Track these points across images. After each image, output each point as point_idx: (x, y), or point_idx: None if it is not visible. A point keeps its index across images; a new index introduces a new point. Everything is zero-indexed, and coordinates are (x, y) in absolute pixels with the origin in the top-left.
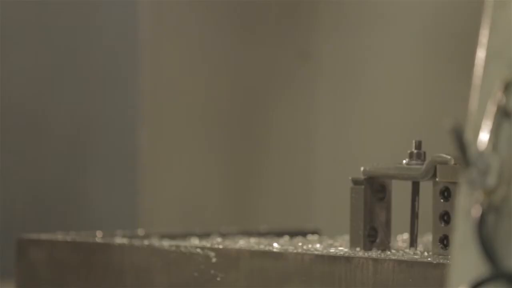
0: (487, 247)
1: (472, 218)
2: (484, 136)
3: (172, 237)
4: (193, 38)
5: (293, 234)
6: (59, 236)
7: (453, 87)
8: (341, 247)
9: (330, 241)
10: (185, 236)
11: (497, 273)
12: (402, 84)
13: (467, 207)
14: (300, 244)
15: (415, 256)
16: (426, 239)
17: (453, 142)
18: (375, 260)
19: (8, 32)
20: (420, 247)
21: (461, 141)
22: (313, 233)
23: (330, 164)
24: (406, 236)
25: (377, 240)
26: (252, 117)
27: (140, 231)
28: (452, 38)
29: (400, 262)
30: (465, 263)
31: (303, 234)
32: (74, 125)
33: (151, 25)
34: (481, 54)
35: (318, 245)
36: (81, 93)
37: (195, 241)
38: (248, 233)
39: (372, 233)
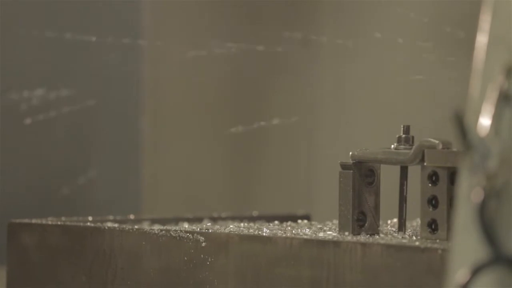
0: (488, 231)
1: (473, 202)
2: (485, 121)
3: (163, 222)
4: (193, 26)
5: (284, 219)
6: (50, 220)
7: (453, 74)
8: (329, 232)
9: (319, 226)
10: (177, 221)
11: (498, 257)
12: (403, 70)
13: (468, 192)
14: (289, 228)
15: (403, 241)
16: (417, 223)
17: (454, 127)
18: (363, 245)
19: (8, 24)
20: (409, 231)
21: (461, 126)
22: (304, 218)
23: (330, 150)
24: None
25: (366, 225)
26: (252, 104)
27: (131, 216)
28: (453, 24)
29: (388, 246)
30: (466, 247)
31: (295, 219)
32: (76, 111)
33: (152, 15)
34: (482, 39)
35: (307, 230)
36: (82, 79)
37: (185, 226)
38: (240, 218)
39: (361, 217)
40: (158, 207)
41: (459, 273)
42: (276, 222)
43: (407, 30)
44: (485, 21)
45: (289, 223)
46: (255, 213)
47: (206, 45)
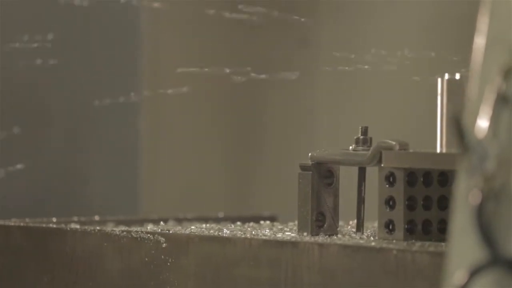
0: (486, 233)
1: (471, 204)
2: (483, 123)
3: (128, 223)
4: (193, 26)
5: (250, 220)
6: (13, 222)
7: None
8: (288, 232)
9: (280, 227)
10: (143, 222)
11: (496, 259)
12: (402, 71)
13: (466, 194)
14: (249, 229)
15: (360, 241)
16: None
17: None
18: (320, 245)
19: (8, 25)
20: (368, 232)
21: (459, 128)
22: (270, 219)
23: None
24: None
25: (325, 225)
26: (250, 105)
27: (96, 217)
28: (452, 23)
29: (345, 246)
30: (464, 248)
31: (261, 220)
32: (74, 111)
33: (150, 14)
34: (480, 40)
35: (267, 231)
36: (81, 79)
37: (148, 227)
38: (205, 219)
39: (320, 218)
40: (157, 206)
41: (457, 275)
42: (239, 223)
43: (406, 30)
44: (483, 23)
45: (251, 224)
46: (220, 214)
47: (205, 46)
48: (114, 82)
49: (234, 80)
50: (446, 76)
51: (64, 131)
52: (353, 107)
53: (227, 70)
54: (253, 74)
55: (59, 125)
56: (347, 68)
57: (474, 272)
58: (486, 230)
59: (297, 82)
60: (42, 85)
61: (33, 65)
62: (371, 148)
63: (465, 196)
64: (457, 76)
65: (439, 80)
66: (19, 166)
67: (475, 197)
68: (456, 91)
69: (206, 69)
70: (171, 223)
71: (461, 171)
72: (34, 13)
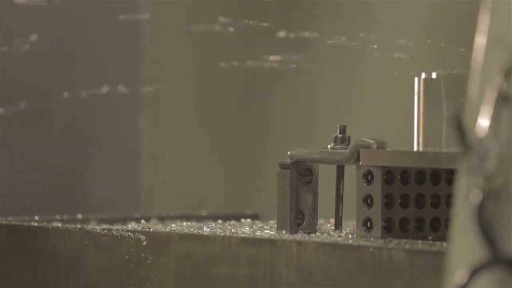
0: (487, 232)
1: (472, 204)
2: (483, 122)
3: (110, 221)
4: (192, 26)
5: (233, 218)
6: None
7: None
8: (267, 230)
9: (260, 225)
10: (125, 220)
11: (497, 258)
12: (401, 73)
13: (467, 193)
14: (229, 227)
15: (338, 239)
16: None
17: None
18: (299, 243)
19: (8, 24)
20: (346, 230)
21: (460, 127)
22: (252, 217)
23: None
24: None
25: (304, 223)
26: (250, 105)
27: (78, 215)
28: (452, 23)
29: (322, 244)
30: (465, 248)
31: (244, 218)
32: (75, 109)
33: (151, 14)
34: (480, 40)
35: (246, 229)
36: (81, 77)
37: (129, 225)
38: (188, 217)
39: (299, 216)
40: (157, 205)
41: (458, 274)
42: (220, 221)
43: (405, 31)
44: (483, 22)
45: (232, 222)
46: (203, 212)
47: (206, 45)
48: (114, 81)
49: (232, 71)
50: (423, 75)
51: (64, 130)
52: (356, 104)
53: (225, 64)
54: (253, 72)
55: (58, 125)
56: (347, 70)
57: (475, 272)
58: (486, 230)
59: (296, 82)
60: (42, 85)
61: (33, 65)
62: (349, 146)
63: (465, 196)
64: (434, 75)
65: (416, 79)
66: (19, 165)
67: (475, 197)
68: (433, 90)
69: (205, 69)
70: (153, 221)
71: (462, 170)
72: (33, 11)
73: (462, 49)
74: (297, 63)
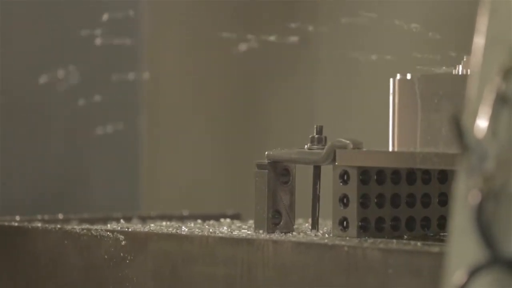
0: (486, 233)
1: (471, 204)
2: (482, 123)
3: (91, 221)
4: (191, 27)
5: (214, 218)
6: None
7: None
8: (244, 230)
9: (239, 224)
10: (106, 220)
11: (495, 259)
12: (401, 71)
13: (466, 194)
14: (207, 227)
15: (314, 238)
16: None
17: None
18: (275, 242)
19: (8, 23)
20: (323, 229)
21: (459, 128)
22: (234, 217)
23: None
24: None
25: (281, 223)
26: (251, 103)
27: (59, 215)
28: (452, 24)
29: (298, 243)
30: (463, 248)
31: (225, 218)
32: (74, 109)
33: (151, 14)
34: (479, 40)
35: (224, 228)
36: (81, 77)
37: (109, 225)
38: (169, 217)
39: (276, 216)
40: (157, 204)
41: (457, 275)
42: (199, 221)
43: (405, 30)
44: (482, 23)
45: (211, 222)
46: (185, 212)
47: (206, 44)
48: (114, 81)
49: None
50: (398, 76)
51: (64, 130)
52: (357, 102)
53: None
54: (254, 71)
55: (59, 124)
56: (347, 69)
57: (474, 272)
58: (485, 230)
59: (295, 83)
60: (42, 84)
61: (32, 64)
62: (326, 147)
63: (464, 196)
64: (408, 76)
65: (391, 80)
66: (19, 164)
67: (474, 197)
68: (407, 91)
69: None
70: (134, 221)
71: (461, 171)
72: (33, 10)
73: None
74: (298, 61)
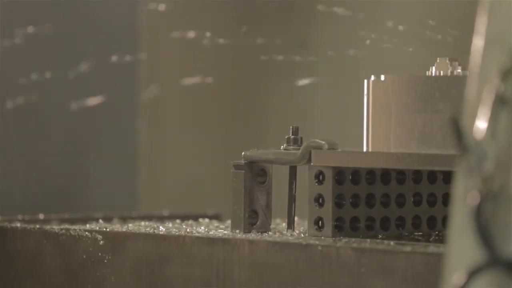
0: (485, 234)
1: (470, 205)
2: (481, 124)
3: (72, 221)
4: (191, 27)
5: (194, 218)
6: None
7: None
8: (221, 230)
9: (217, 224)
10: (85, 220)
11: (494, 260)
12: (399, 72)
13: (464, 194)
14: (185, 227)
15: (289, 238)
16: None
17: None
18: (251, 242)
19: (6, 23)
20: (299, 229)
21: (458, 129)
22: (214, 218)
23: None
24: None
25: (258, 223)
26: (249, 105)
27: (40, 215)
28: (451, 26)
29: (274, 243)
30: (462, 249)
31: (205, 218)
32: (73, 110)
33: (151, 14)
34: (478, 41)
35: (202, 228)
36: (80, 80)
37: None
38: (150, 217)
39: (253, 215)
40: (155, 205)
41: (456, 276)
42: (178, 221)
43: (404, 30)
44: (481, 23)
45: (190, 222)
46: (165, 212)
47: (204, 46)
48: (114, 80)
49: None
50: (372, 77)
51: (63, 130)
52: (354, 103)
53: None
54: (252, 72)
55: (58, 123)
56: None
57: (473, 273)
58: (484, 231)
59: (294, 85)
60: (42, 84)
61: (32, 64)
62: (301, 147)
63: (463, 197)
64: (382, 77)
65: (365, 81)
66: (19, 164)
67: (473, 198)
68: (381, 92)
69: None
70: (115, 221)
71: (460, 172)
72: (33, 5)
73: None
74: (296, 62)
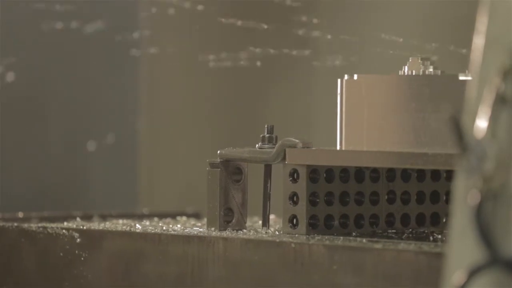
0: (485, 234)
1: (470, 205)
2: (481, 123)
3: (52, 219)
4: (191, 28)
5: (172, 216)
6: None
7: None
8: (196, 228)
9: (193, 222)
10: (65, 218)
11: (495, 259)
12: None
13: (465, 194)
14: (161, 225)
15: (264, 235)
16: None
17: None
18: (225, 239)
19: (6, 24)
20: (274, 227)
21: (458, 128)
22: (193, 216)
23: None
24: (273, 217)
25: (233, 221)
26: (250, 103)
27: (19, 214)
28: (452, 24)
29: (247, 240)
30: (463, 249)
31: (184, 216)
32: (73, 107)
33: (151, 14)
34: (479, 41)
35: (178, 226)
36: (80, 75)
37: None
38: (129, 216)
39: (229, 213)
40: (156, 203)
41: (456, 275)
42: (156, 219)
43: (404, 31)
44: (481, 23)
45: (167, 220)
46: (145, 210)
47: (204, 43)
48: (114, 80)
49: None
50: (346, 76)
51: (63, 130)
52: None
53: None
54: (252, 70)
55: (58, 123)
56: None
57: (473, 273)
58: (484, 231)
59: (293, 85)
60: (42, 84)
61: (31, 63)
62: (276, 146)
63: (463, 197)
64: (355, 77)
65: (339, 81)
66: (19, 164)
67: (473, 198)
68: (355, 91)
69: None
70: (95, 219)
71: (460, 171)
72: (33, 11)
73: (464, 50)
74: (296, 61)
